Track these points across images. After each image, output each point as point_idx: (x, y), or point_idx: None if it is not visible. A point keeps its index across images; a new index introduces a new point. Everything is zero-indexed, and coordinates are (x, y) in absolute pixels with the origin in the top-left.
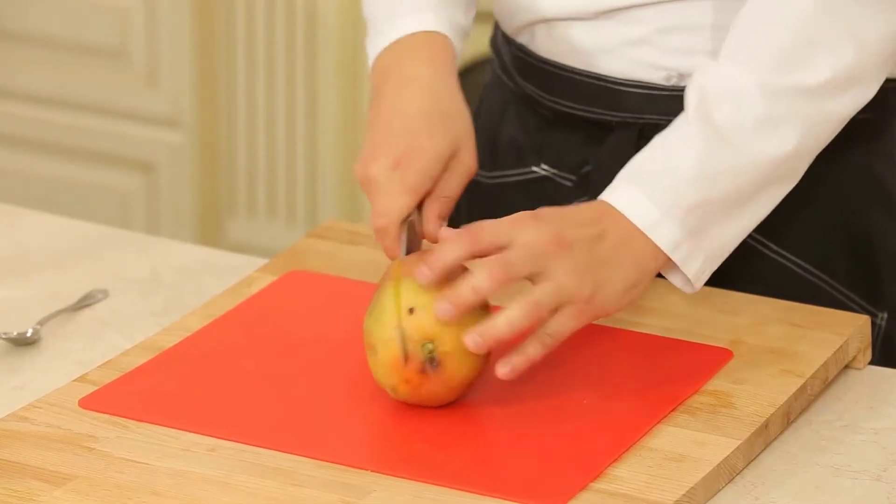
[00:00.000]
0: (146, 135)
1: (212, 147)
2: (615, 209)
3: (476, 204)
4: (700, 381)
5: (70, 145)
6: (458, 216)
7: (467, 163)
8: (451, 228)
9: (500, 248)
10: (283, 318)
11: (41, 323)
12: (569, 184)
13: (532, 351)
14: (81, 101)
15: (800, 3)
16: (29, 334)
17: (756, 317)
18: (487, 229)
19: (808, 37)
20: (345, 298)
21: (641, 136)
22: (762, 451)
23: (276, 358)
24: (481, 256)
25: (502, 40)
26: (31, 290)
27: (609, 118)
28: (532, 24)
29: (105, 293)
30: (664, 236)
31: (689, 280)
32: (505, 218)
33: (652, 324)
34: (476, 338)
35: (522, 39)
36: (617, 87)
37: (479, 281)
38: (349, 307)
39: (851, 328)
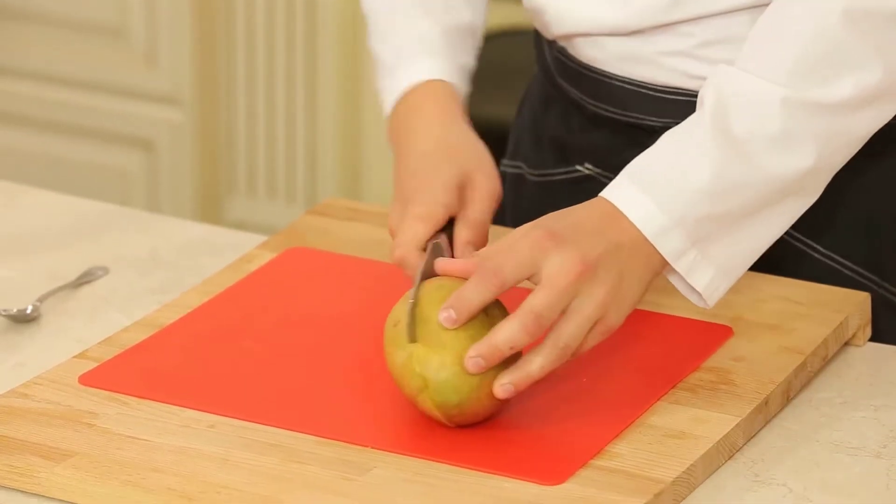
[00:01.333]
0: (146, 113)
1: (211, 125)
2: (621, 213)
3: (523, 201)
4: (700, 359)
5: (70, 123)
6: (504, 214)
7: (486, 185)
8: (463, 258)
9: (524, 279)
10: (283, 295)
11: (41, 300)
12: None
13: (539, 368)
14: (81, 79)
15: (827, 16)
16: (29, 311)
17: (756, 294)
18: (509, 266)
19: (834, 53)
20: (344, 275)
21: None
22: (762, 428)
23: (275, 334)
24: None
25: (543, 40)
26: (31, 268)
27: (652, 123)
28: (570, 37)
29: (105, 270)
30: (668, 245)
31: (698, 293)
32: (519, 241)
33: (652, 301)
34: (508, 387)
35: (562, 43)
36: (658, 94)
37: (516, 338)
38: (348, 284)
39: (851, 305)
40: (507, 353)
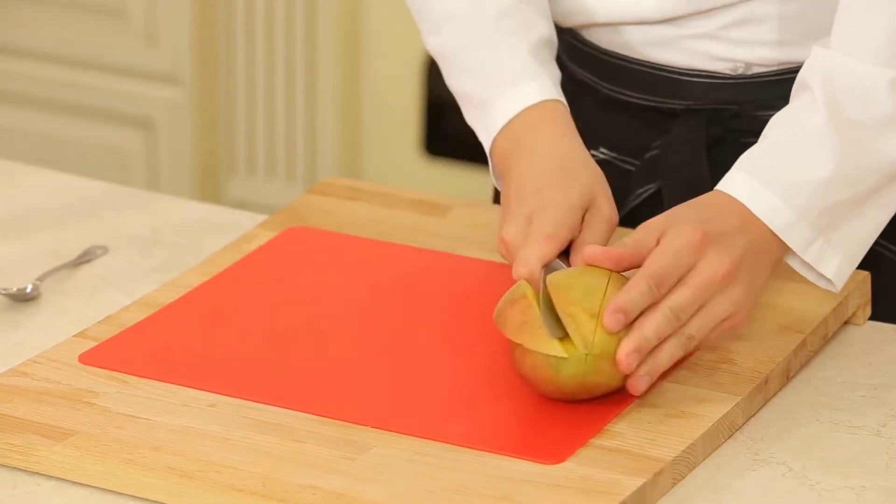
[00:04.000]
0: (145, 92)
1: (211, 104)
2: (747, 208)
3: None
4: None
5: (70, 102)
6: None
7: (605, 212)
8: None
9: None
10: (283, 275)
11: (41, 279)
12: (630, 168)
13: (669, 357)
14: (81, 58)
15: None
16: (28, 290)
17: None
18: (674, 275)
19: None
20: (344, 254)
21: (710, 121)
22: (762, 407)
23: (275, 314)
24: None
25: (555, 27)
26: (30, 247)
27: (672, 106)
28: (588, 27)
29: (104, 249)
30: (796, 237)
31: (828, 279)
32: (677, 245)
33: None
34: (645, 378)
35: (579, 30)
36: (679, 76)
37: (662, 330)
38: (348, 263)
39: (851, 284)
40: (655, 342)
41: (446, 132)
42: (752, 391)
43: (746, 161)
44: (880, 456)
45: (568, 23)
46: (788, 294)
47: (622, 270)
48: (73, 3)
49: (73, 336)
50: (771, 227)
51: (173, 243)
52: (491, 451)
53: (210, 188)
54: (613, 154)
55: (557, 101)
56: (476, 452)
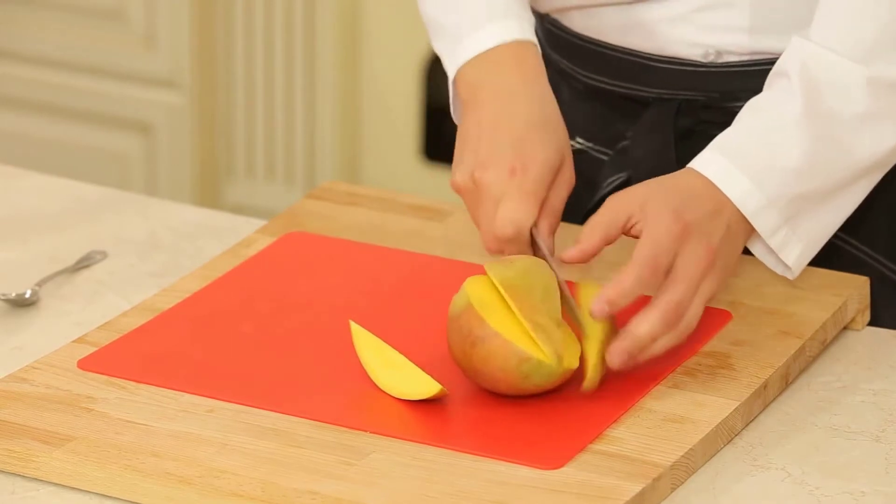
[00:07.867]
0: (145, 96)
1: (210, 108)
2: (720, 193)
3: None
4: (699, 343)
5: (69, 106)
6: None
7: (568, 175)
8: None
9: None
10: (282, 280)
11: (40, 284)
12: (604, 158)
13: (661, 350)
14: (80, 62)
15: None
16: (28, 295)
17: (755, 278)
18: (666, 263)
19: None
20: (343, 260)
21: (679, 111)
22: (761, 412)
23: (274, 319)
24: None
25: (533, 12)
26: (29, 251)
27: (644, 94)
28: (565, 10)
29: (104, 254)
30: (764, 223)
31: (787, 266)
32: (663, 236)
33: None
34: (630, 361)
35: (555, 15)
36: (652, 63)
37: (657, 331)
38: (347, 268)
39: (850, 289)
40: (649, 344)
41: (446, 137)
42: (751, 396)
43: (721, 142)
44: (879, 461)
45: (545, 7)
46: (787, 299)
47: (593, 256)
48: (72, 7)
49: (73, 341)
50: (742, 211)
51: (172, 248)
52: (489, 457)
53: (209, 192)
54: (589, 144)
55: (533, 43)
56: (474, 457)
